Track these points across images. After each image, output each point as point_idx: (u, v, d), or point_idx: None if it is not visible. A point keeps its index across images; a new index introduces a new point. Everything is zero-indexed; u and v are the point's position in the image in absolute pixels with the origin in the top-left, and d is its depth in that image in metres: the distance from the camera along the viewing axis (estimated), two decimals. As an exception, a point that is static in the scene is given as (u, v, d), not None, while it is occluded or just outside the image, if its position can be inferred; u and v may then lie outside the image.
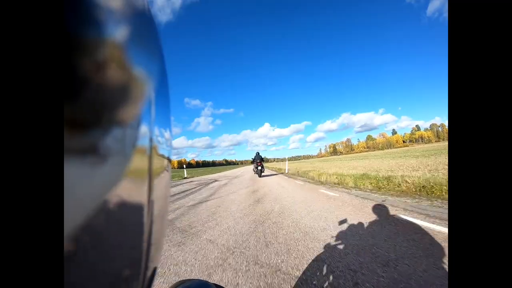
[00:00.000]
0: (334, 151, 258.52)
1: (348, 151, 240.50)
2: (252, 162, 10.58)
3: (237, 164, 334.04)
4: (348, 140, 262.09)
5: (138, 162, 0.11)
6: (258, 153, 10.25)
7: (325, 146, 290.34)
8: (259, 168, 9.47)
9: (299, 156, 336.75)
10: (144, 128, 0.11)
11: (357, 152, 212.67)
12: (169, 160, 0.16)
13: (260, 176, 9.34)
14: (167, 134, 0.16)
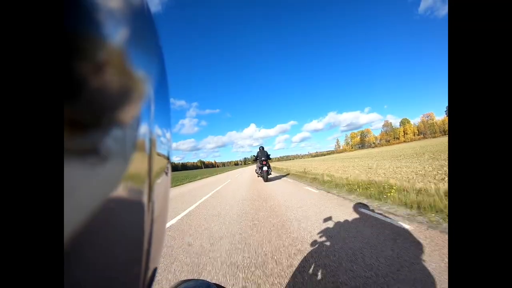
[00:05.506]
0: (362, 143, 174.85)
1: (391, 141, 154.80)
2: (255, 160, 8.50)
3: (217, 167, 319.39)
4: (387, 123, 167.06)
5: (138, 162, 0.12)
6: (263, 148, 7.93)
7: (346, 136, 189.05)
8: (265, 168, 7.37)
9: (287, 156, 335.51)
10: (144, 128, 0.12)
11: (404, 142, 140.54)
12: (169, 160, 0.18)
13: (266, 179, 7.36)
14: (167, 134, 0.17)
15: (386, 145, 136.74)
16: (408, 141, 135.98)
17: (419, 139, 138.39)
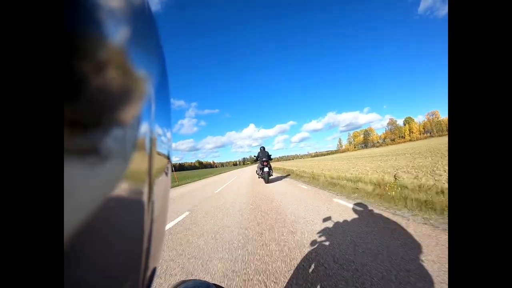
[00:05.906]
0: (365, 142, 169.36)
1: (396, 140, 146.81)
2: (256, 160, 8.20)
3: (215, 167, 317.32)
4: (392, 121, 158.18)
5: (139, 161, 0.12)
6: (264, 148, 7.70)
7: (349, 135, 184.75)
8: (266, 169, 7.14)
9: (286, 156, 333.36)
10: (144, 128, 0.13)
11: (410, 140, 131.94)
12: (169, 159, 0.18)
13: (267, 181, 7.16)
14: (167, 134, 0.17)
15: (391, 144, 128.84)
16: (414, 140, 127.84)
17: (425, 137, 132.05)
